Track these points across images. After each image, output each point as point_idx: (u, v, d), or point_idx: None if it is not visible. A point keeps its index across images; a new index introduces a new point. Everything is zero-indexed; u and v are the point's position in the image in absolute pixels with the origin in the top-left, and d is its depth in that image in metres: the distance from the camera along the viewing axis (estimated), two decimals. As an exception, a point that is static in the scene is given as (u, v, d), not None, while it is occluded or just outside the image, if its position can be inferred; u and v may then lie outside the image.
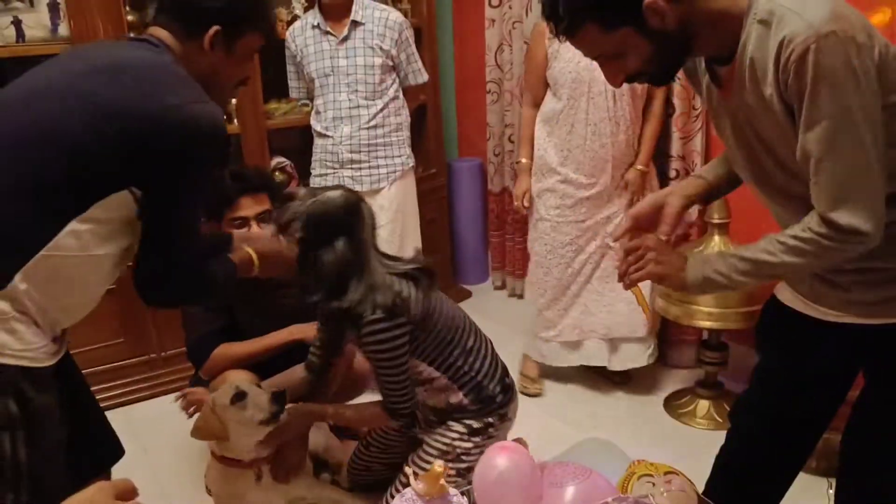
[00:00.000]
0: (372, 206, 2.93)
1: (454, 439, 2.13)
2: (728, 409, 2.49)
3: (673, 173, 3.01)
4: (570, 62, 2.78)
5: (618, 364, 3.00)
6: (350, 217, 1.94)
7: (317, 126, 3.03)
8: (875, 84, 1.28)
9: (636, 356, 2.99)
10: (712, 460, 1.86)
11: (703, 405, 2.82)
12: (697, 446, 2.50)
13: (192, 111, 1.42)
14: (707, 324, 2.68)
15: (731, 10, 1.35)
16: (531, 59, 2.95)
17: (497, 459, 1.56)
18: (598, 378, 3.12)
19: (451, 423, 2.16)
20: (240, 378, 2.34)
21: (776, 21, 1.29)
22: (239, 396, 2.07)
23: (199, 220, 1.58)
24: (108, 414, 3.03)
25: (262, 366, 2.42)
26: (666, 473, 1.65)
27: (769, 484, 1.82)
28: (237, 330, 2.43)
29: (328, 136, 2.99)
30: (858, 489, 1.69)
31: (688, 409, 2.84)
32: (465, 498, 1.46)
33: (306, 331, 2.40)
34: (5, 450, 1.36)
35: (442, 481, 1.35)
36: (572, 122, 2.81)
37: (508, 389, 2.21)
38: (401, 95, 3.07)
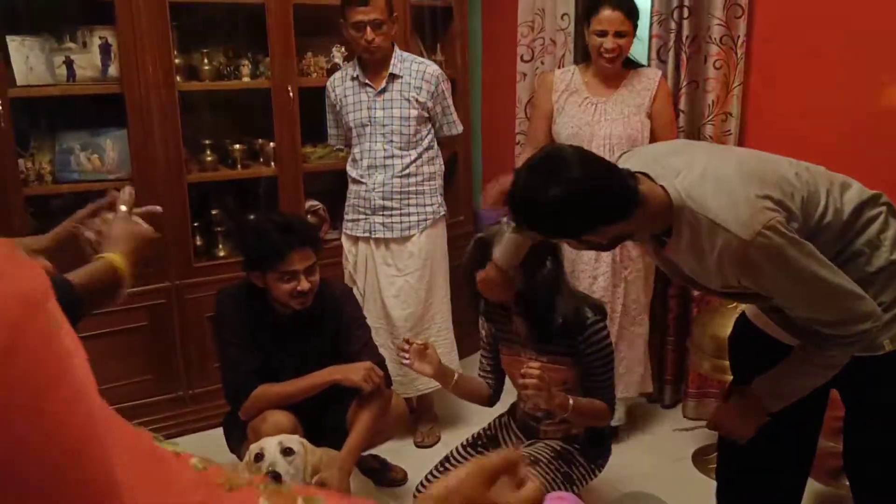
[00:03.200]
0: (401, 253, 3.05)
1: (568, 444, 2.27)
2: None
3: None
4: (573, 118, 2.89)
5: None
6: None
7: (352, 173, 3.09)
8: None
9: None
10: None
11: (733, 461, 2.81)
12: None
13: None
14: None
15: (660, 207, 1.55)
16: (538, 110, 3.04)
17: (554, 511, 1.57)
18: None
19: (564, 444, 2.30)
20: (280, 420, 2.35)
21: (705, 233, 1.50)
22: (259, 457, 2.12)
23: None
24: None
25: (300, 406, 2.43)
26: (718, 530, 1.66)
27: (773, 499, 1.94)
28: (269, 370, 2.45)
29: (362, 183, 3.04)
30: None
31: (718, 464, 2.84)
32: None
33: (345, 372, 2.42)
34: None
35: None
36: None
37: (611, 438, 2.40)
38: (435, 145, 3.12)
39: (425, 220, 3.08)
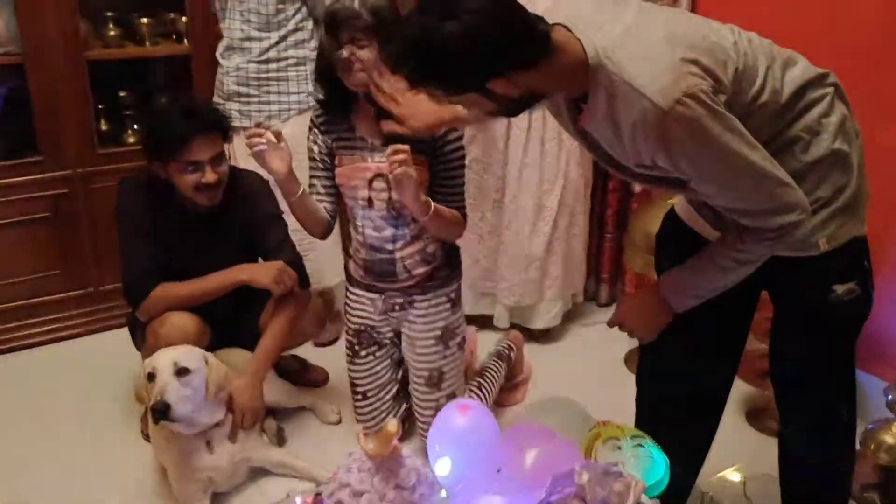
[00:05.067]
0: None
1: (440, 317, 2.24)
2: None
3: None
4: None
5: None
6: None
7: (217, 52, 2.78)
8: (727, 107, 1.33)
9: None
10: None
11: (665, 360, 2.75)
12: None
13: None
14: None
15: (576, 63, 1.33)
16: None
17: (456, 418, 1.45)
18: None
19: (432, 298, 2.22)
20: (182, 322, 2.20)
21: (621, 99, 1.31)
22: (152, 377, 1.97)
23: None
24: (41, 350, 2.90)
25: (206, 308, 2.26)
26: (633, 437, 1.56)
27: (696, 404, 1.79)
28: (175, 270, 2.26)
29: (220, 66, 2.75)
30: (790, 410, 1.76)
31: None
32: (420, 458, 1.35)
33: (253, 272, 2.27)
34: None
35: (395, 442, 1.24)
36: None
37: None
38: (308, 26, 2.73)
39: (288, 109, 2.74)
